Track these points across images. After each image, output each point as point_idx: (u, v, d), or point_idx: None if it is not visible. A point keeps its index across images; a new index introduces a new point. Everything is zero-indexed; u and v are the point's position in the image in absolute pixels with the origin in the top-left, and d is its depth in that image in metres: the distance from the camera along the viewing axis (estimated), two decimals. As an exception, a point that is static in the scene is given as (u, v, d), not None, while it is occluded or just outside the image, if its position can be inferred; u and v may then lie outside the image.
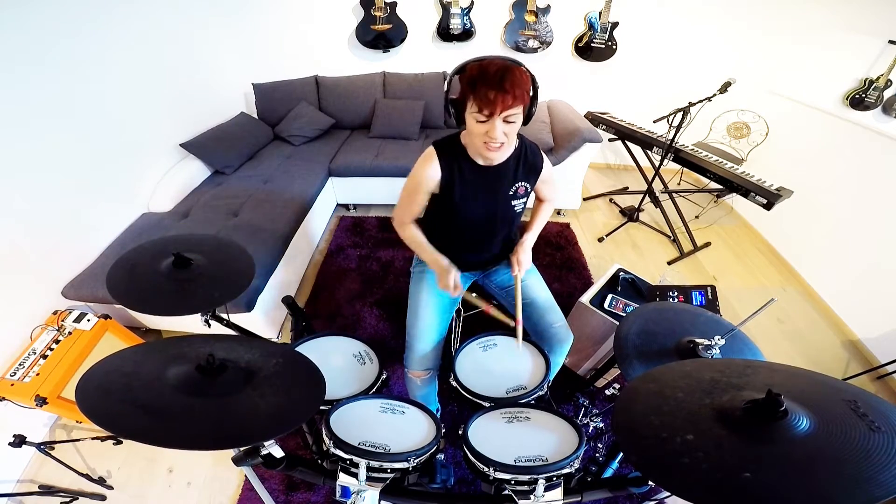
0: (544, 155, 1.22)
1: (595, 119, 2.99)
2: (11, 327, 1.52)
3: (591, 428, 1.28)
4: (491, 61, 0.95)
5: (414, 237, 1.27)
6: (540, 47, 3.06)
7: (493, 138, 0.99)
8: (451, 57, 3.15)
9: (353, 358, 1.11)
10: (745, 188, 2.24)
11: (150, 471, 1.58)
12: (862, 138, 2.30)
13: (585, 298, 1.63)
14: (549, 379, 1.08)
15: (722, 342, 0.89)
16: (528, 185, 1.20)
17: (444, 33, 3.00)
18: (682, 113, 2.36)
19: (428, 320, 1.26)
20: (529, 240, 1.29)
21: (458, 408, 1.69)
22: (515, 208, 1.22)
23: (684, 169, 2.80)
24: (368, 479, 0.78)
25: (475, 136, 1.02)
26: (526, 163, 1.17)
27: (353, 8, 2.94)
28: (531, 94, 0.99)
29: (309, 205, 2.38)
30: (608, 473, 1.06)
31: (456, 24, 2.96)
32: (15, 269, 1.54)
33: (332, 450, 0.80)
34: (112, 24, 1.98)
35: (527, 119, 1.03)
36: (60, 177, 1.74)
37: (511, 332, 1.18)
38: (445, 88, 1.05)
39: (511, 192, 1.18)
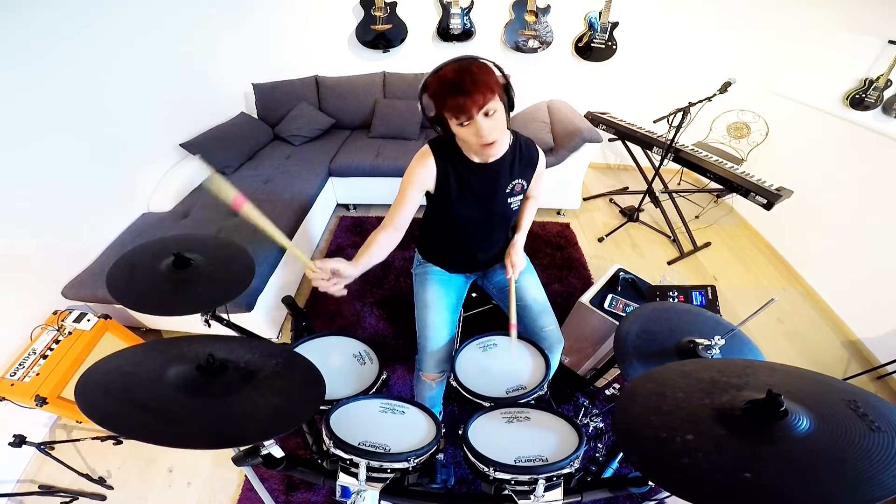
0: (539, 149, 1.22)
1: (595, 119, 2.99)
2: (11, 327, 1.52)
3: (591, 428, 1.28)
4: (445, 69, 0.94)
5: (369, 241, 1.10)
6: (540, 47, 3.06)
7: (483, 137, 0.99)
8: (451, 57, 3.15)
9: (353, 358, 1.11)
10: (745, 188, 2.24)
11: (150, 471, 1.58)
12: (862, 138, 2.30)
13: (585, 298, 1.63)
14: (547, 379, 1.08)
15: (722, 342, 0.88)
16: (524, 182, 1.20)
17: (444, 33, 3.00)
18: (681, 113, 2.36)
19: (438, 319, 1.26)
20: (520, 241, 1.30)
21: (458, 408, 1.69)
22: (512, 206, 1.21)
23: (684, 169, 2.80)
24: (368, 479, 0.78)
25: (469, 141, 1.02)
26: (522, 158, 1.17)
27: (353, 8, 2.94)
28: (501, 81, 0.97)
29: (309, 205, 2.38)
30: (608, 473, 1.06)
31: (456, 24, 2.95)
32: (15, 269, 1.54)
33: (332, 450, 0.80)
34: (112, 24, 1.98)
35: (510, 106, 1.01)
36: (60, 177, 1.74)
37: (507, 331, 1.18)
38: (420, 109, 1.04)
39: (508, 190, 1.18)
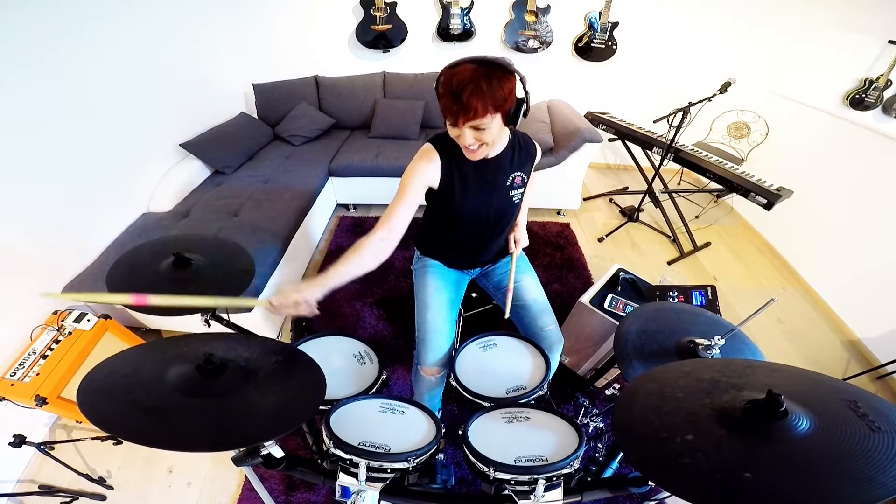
0: (535, 143, 1.25)
1: (595, 119, 2.99)
2: (11, 327, 1.52)
3: (591, 428, 1.28)
4: (460, 70, 0.92)
5: (352, 249, 0.99)
6: (540, 47, 3.06)
7: (464, 147, 1.01)
8: (451, 57, 3.07)
9: (353, 358, 1.11)
10: (745, 188, 2.24)
11: (150, 471, 1.58)
12: (862, 138, 2.30)
13: (585, 298, 1.63)
14: (547, 379, 1.08)
15: (722, 342, 0.89)
16: (524, 175, 1.21)
17: (444, 33, 3.00)
18: (682, 113, 2.36)
19: (438, 312, 1.27)
20: (522, 219, 1.35)
21: (458, 408, 1.69)
22: (513, 199, 1.23)
23: (684, 169, 2.81)
24: (368, 479, 0.78)
25: (454, 138, 1.03)
26: (521, 152, 1.19)
27: (353, 8, 2.94)
28: (512, 97, 0.95)
29: (309, 205, 2.38)
30: (608, 473, 1.06)
31: (456, 24, 2.96)
32: (15, 269, 1.54)
33: (332, 450, 0.80)
34: (112, 25, 1.98)
35: (513, 119, 1.00)
36: (61, 177, 1.74)
37: (507, 326, 1.21)
38: (435, 86, 1.01)
39: (508, 184, 1.19)
